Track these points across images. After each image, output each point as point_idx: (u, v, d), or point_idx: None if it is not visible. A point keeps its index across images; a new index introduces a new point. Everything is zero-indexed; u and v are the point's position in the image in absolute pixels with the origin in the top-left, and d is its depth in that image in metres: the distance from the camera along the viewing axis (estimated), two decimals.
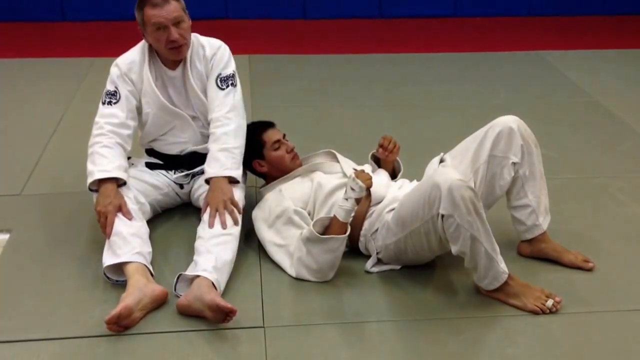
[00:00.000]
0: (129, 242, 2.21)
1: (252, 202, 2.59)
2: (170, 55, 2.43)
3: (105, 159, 2.36)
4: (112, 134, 2.41)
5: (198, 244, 2.24)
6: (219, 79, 2.50)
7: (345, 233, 2.19)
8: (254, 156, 2.51)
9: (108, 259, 2.19)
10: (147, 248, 2.27)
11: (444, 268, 2.34)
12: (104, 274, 2.20)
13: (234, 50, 2.59)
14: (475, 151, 2.34)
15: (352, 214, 2.20)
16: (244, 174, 2.53)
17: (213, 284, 2.09)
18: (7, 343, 1.98)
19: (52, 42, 5.16)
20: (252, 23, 5.71)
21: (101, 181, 2.33)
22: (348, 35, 5.49)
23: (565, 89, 4.22)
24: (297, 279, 2.26)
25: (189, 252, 2.27)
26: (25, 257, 2.39)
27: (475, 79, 4.43)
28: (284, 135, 2.55)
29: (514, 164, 2.31)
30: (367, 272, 2.30)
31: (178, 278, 2.16)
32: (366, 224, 2.32)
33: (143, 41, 2.48)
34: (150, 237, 2.35)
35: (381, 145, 2.47)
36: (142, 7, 2.36)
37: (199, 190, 2.56)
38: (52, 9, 5.63)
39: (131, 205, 2.32)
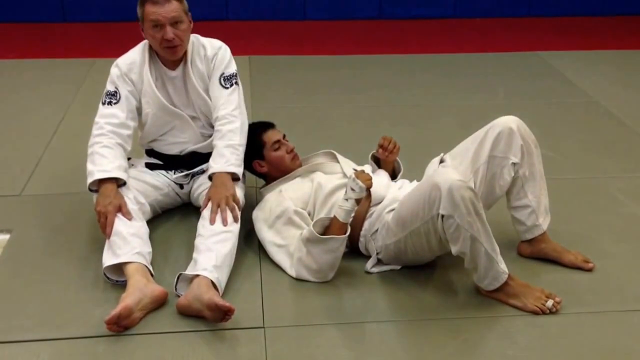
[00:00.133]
0: (129, 242, 2.21)
1: (252, 202, 2.59)
2: (164, 54, 2.44)
3: (105, 159, 2.36)
4: (112, 134, 2.41)
5: (198, 241, 2.24)
6: (222, 78, 2.50)
7: (345, 233, 2.19)
8: (254, 156, 2.51)
9: (108, 259, 2.19)
10: (147, 248, 2.27)
11: (444, 268, 2.34)
12: (104, 274, 2.20)
13: (234, 51, 2.60)
14: (475, 151, 2.34)
15: (352, 215, 2.20)
16: (243, 174, 2.54)
17: (213, 283, 2.09)
18: (7, 343, 1.98)
19: (53, 43, 5.16)
20: (252, 24, 5.71)
21: (101, 181, 2.33)
22: (348, 36, 5.49)
23: (565, 89, 4.23)
24: (297, 279, 2.26)
25: (189, 252, 2.27)
26: (25, 258, 2.39)
27: (475, 79, 4.43)
28: (284, 136, 2.55)
29: (513, 164, 2.31)
30: (367, 272, 2.30)
31: (178, 278, 2.16)
32: (366, 224, 2.32)
33: (143, 42, 2.49)
34: (150, 237, 2.35)
35: (381, 146, 2.47)
36: (143, 3, 2.37)
37: (199, 189, 2.56)
38: (53, 10, 5.63)
39: (131, 206, 2.32)
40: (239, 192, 2.40)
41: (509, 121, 2.32)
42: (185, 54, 2.48)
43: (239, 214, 2.32)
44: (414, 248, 2.19)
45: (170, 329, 2.04)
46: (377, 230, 2.30)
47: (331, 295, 2.20)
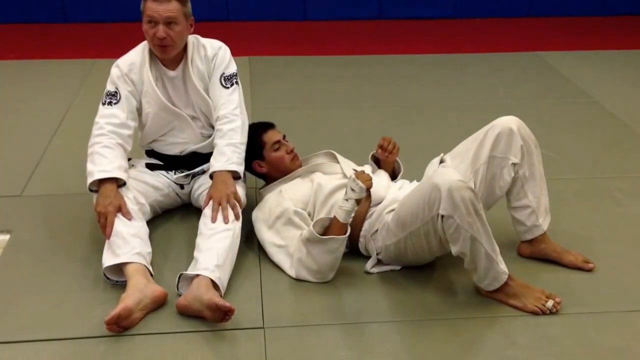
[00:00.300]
0: (129, 242, 2.21)
1: (252, 203, 2.59)
2: (155, 52, 2.44)
3: (105, 159, 2.36)
4: (113, 134, 2.41)
5: (199, 240, 2.24)
6: (222, 78, 2.51)
7: (345, 234, 2.19)
8: (254, 157, 2.52)
9: (108, 260, 2.19)
10: (147, 248, 2.27)
11: (444, 268, 2.34)
12: (104, 274, 2.20)
13: (235, 52, 2.60)
14: (475, 152, 2.34)
15: (352, 215, 2.20)
16: (244, 174, 2.54)
17: (214, 282, 2.09)
18: (7, 343, 1.98)
19: (53, 44, 5.16)
20: (253, 25, 5.72)
21: (101, 181, 2.33)
22: (348, 36, 5.49)
23: (565, 89, 4.23)
24: (297, 279, 2.26)
25: (190, 252, 2.27)
26: (25, 258, 2.39)
27: (475, 79, 4.43)
28: (284, 136, 2.55)
29: (513, 164, 2.31)
30: (367, 272, 2.30)
31: (179, 277, 2.16)
32: (366, 224, 2.32)
33: (144, 42, 2.49)
34: (150, 237, 2.35)
35: (380, 146, 2.47)
36: None
37: (199, 190, 2.56)
38: (54, 11, 5.64)
39: (131, 206, 2.32)
40: (240, 191, 2.41)
41: (509, 121, 2.32)
42: (185, 54, 2.49)
43: (240, 211, 2.32)
44: (414, 249, 2.19)
45: (170, 329, 2.04)
46: (377, 231, 2.30)
47: (331, 295, 2.20)
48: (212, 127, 2.55)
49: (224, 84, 2.51)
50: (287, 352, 1.95)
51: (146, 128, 2.58)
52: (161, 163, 2.63)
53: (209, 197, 2.32)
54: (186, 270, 2.18)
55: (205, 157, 2.55)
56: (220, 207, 2.28)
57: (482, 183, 2.33)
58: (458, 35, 5.55)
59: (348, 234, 2.20)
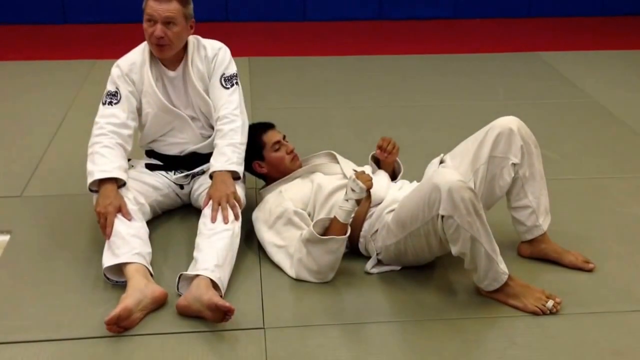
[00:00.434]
0: (129, 242, 2.21)
1: (252, 203, 2.59)
2: (152, 50, 2.44)
3: (105, 159, 2.36)
4: (113, 134, 2.41)
5: (199, 240, 2.24)
6: (222, 79, 2.51)
7: (345, 234, 2.19)
8: (254, 157, 2.52)
9: (108, 260, 2.19)
10: (147, 249, 2.27)
11: (444, 268, 2.34)
12: (104, 274, 2.20)
13: (234, 52, 2.60)
14: (475, 152, 2.34)
15: (352, 215, 2.20)
16: (244, 174, 2.54)
17: (214, 282, 2.09)
18: (7, 344, 1.98)
19: (53, 44, 5.16)
20: (252, 25, 5.72)
21: (101, 182, 2.34)
22: (347, 37, 5.49)
23: (565, 90, 4.22)
24: (297, 279, 2.26)
25: (189, 252, 2.27)
26: (25, 259, 2.39)
27: (475, 79, 4.43)
28: (284, 137, 2.56)
29: (514, 164, 2.31)
30: (367, 273, 2.30)
31: (179, 278, 2.16)
32: (366, 225, 2.32)
33: (144, 42, 2.49)
34: (150, 237, 2.35)
35: (380, 147, 2.47)
36: None
37: (199, 190, 2.56)
38: (54, 11, 5.64)
39: (131, 206, 2.32)
40: (240, 191, 2.41)
41: (509, 122, 2.32)
42: (185, 54, 2.49)
43: (239, 211, 2.32)
44: (414, 249, 2.19)
45: (170, 329, 2.04)
46: (377, 231, 2.30)
47: (331, 295, 2.20)
48: (212, 127, 2.56)
49: (224, 84, 2.51)
50: (288, 352, 1.95)
51: (146, 128, 2.58)
52: (161, 163, 2.63)
53: (209, 197, 2.32)
54: (186, 270, 2.18)
55: (205, 158, 2.55)
56: (219, 207, 2.28)
57: (482, 183, 2.33)
58: (458, 36, 5.55)
59: (348, 234, 2.20)
